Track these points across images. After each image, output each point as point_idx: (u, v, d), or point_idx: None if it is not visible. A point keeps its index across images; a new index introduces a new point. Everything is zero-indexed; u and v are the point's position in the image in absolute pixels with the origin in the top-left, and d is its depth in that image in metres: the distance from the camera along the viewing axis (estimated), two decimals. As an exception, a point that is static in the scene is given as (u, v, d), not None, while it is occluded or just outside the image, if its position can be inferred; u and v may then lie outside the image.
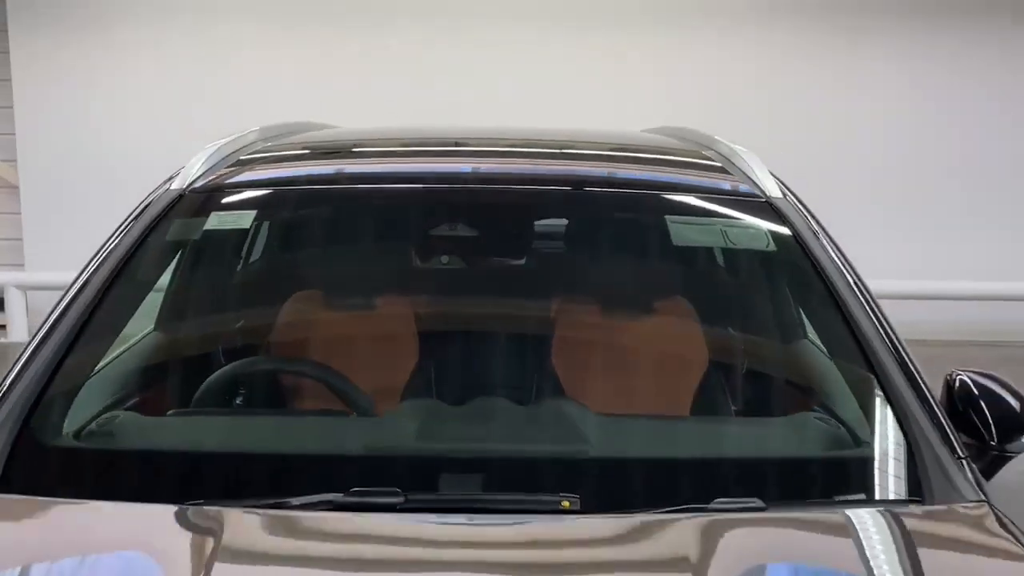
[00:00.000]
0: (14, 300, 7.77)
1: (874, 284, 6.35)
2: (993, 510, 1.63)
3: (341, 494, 1.60)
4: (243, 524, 1.54)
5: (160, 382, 2.19)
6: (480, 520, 1.57)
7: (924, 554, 1.51)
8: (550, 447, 1.81)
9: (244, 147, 2.40)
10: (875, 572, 1.44)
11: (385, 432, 1.90)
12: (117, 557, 1.50)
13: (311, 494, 1.60)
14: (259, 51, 7.73)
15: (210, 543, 1.47)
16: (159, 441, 1.90)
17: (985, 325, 7.84)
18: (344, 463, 1.76)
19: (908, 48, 7.74)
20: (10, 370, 1.88)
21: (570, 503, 1.60)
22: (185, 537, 1.53)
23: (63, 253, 7.86)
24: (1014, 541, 1.54)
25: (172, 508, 1.57)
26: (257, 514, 1.57)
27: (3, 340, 7.77)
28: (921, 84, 7.77)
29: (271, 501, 1.60)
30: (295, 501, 1.60)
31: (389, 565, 1.52)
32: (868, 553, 1.50)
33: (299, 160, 2.51)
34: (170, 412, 2.05)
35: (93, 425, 1.87)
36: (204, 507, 1.57)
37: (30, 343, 1.91)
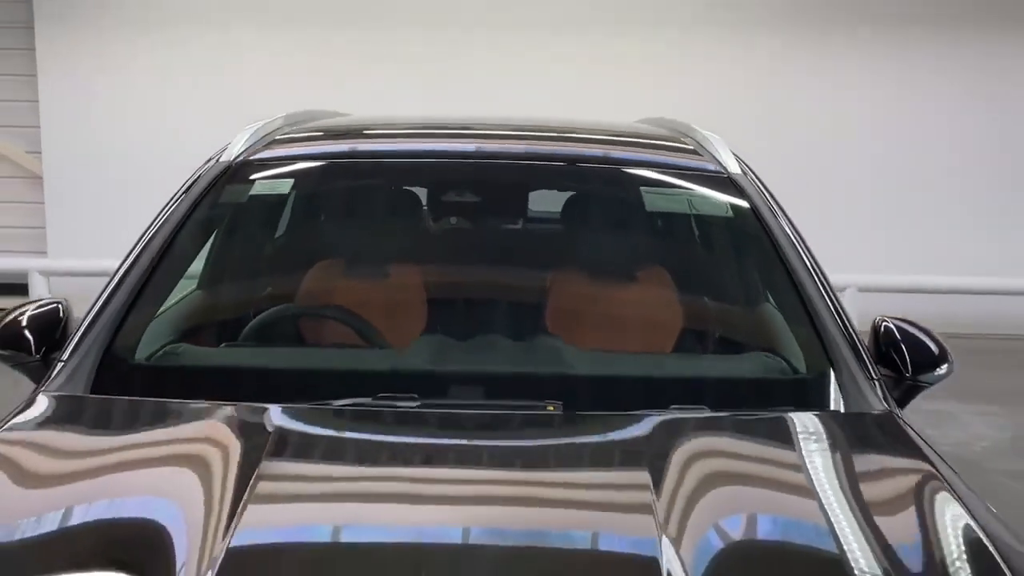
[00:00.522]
0: (38, 285, 8.12)
1: (867, 278, 6.69)
2: (895, 417, 2.02)
3: (370, 398, 1.99)
4: (290, 416, 1.93)
5: (213, 323, 2.57)
6: (479, 420, 1.96)
7: (837, 444, 1.91)
8: (538, 366, 2.21)
9: (275, 129, 2.79)
10: (804, 456, 1.84)
11: (407, 354, 2.28)
12: (188, 438, 1.89)
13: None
14: (268, 54, 8.12)
15: (263, 429, 1.86)
16: (217, 361, 2.29)
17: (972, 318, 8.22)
18: (373, 378, 2.15)
19: (898, 54, 8.15)
20: (92, 306, 2.26)
21: (554, 407, 1.98)
22: (243, 425, 1.91)
23: (84, 241, 8.27)
24: (906, 438, 1.93)
25: (233, 404, 1.96)
26: (302, 411, 1.95)
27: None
28: (909, 87, 8.17)
29: (314, 403, 1.98)
30: (334, 403, 1.98)
31: (405, 450, 1.91)
32: (794, 440, 1.90)
33: (326, 139, 2.90)
34: (223, 345, 2.43)
35: (160, 352, 2.25)
36: (258, 404, 1.96)
37: (106, 288, 2.29)
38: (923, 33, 8.12)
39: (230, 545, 1.46)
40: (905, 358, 2.27)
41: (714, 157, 2.64)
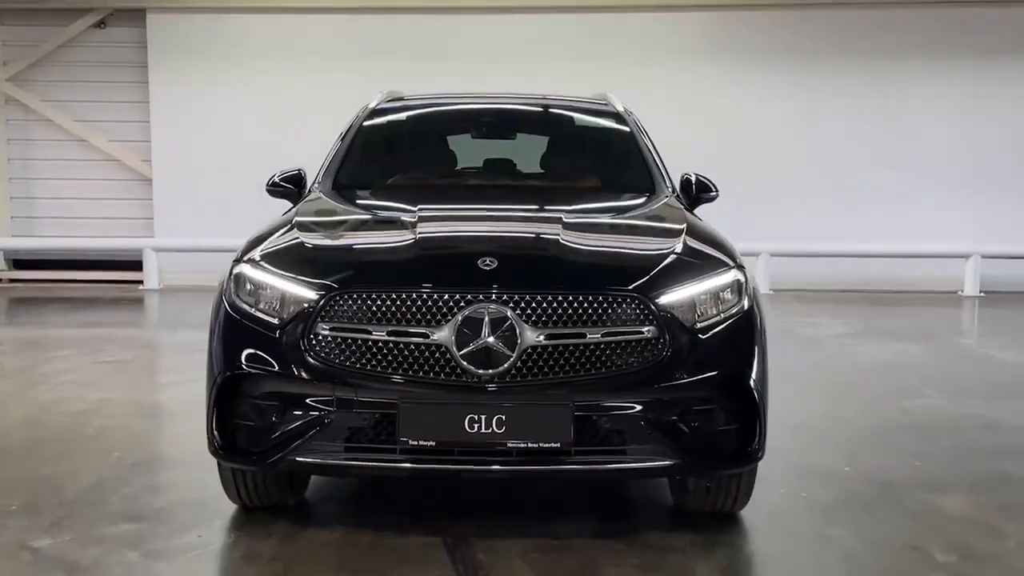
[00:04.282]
0: (150, 259, 10.72)
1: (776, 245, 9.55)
2: (677, 199, 4.59)
3: (461, 179, 4.70)
4: (428, 188, 4.55)
5: (374, 173, 5.06)
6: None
7: (648, 203, 4.48)
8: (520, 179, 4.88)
9: (384, 97, 5.40)
10: (633, 201, 4.43)
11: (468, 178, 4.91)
12: (386, 201, 4.40)
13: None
14: (325, 82, 10.79)
15: (416, 192, 4.37)
16: (383, 183, 4.85)
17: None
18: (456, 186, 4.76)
19: (787, 82, 10.90)
20: (321, 167, 4.79)
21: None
22: (406, 195, 4.36)
23: (181, 226, 10.86)
24: (677, 204, 4.49)
25: (395, 194, 4.57)
26: (432, 187, 4.59)
27: (142, 287, 10.69)
28: (797, 100, 10.92)
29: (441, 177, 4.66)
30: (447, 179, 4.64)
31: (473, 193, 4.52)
32: (634, 200, 4.47)
33: (414, 99, 5.53)
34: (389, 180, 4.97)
35: (355, 182, 4.81)
36: (415, 180, 4.59)
37: (326, 160, 4.86)
38: (827, 63, 10.89)
39: (418, 229, 3.86)
40: (693, 189, 4.84)
41: (613, 105, 5.27)
